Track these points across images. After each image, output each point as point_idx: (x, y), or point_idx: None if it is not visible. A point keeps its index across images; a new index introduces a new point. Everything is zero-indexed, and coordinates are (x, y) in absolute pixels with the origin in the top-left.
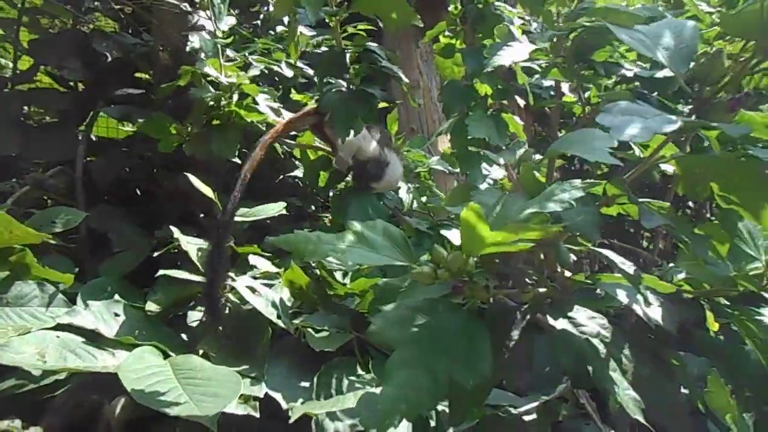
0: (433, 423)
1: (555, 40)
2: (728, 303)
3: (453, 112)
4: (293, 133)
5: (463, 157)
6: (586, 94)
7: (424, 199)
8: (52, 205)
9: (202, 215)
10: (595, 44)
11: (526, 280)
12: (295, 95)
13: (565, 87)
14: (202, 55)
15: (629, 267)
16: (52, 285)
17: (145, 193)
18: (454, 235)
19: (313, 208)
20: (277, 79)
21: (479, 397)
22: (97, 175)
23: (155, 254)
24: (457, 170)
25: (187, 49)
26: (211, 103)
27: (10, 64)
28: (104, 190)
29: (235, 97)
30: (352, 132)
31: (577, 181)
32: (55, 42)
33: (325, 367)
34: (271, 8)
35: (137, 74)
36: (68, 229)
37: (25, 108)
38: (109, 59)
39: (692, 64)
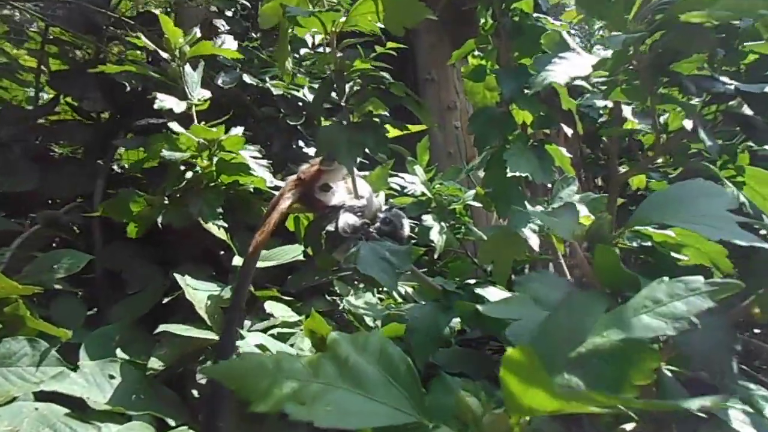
0: None
1: (629, 47)
2: None
3: (486, 145)
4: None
5: (501, 197)
6: (662, 119)
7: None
8: (63, 245)
9: (221, 252)
10: (684, 50)
11: None
12: (323, 121)
13: (626, 109)
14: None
15: None
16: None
17: (164, 228)
18: (492, 294)
19: None
20: (300, 104)
21: None
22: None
23: (165, 300)
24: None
25: (156, 106)
26: (186, 166)
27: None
28: (122, 226)
29: (216, 158)
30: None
31: (698, 279)
32: (75, 73)
33: None
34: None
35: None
36: (82, 269)
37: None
38: (128, 89)
39: None
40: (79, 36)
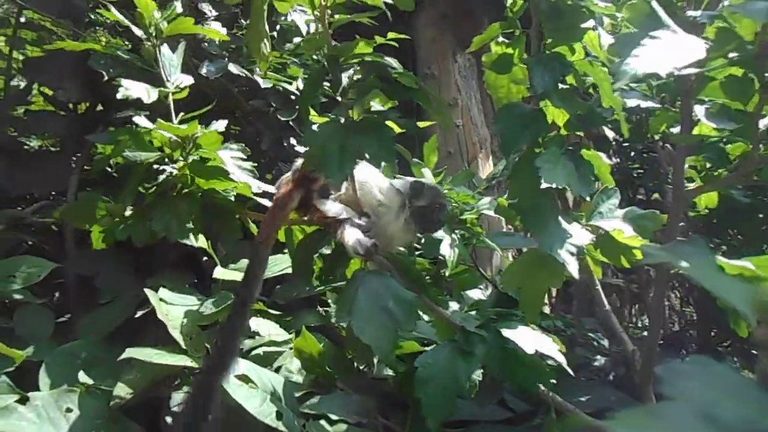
0: None
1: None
2: None
3: (514, 147)
4: None
5: (530, 211)
6: (763, 124)
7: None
8: (30, 248)
9: (204, 258)
10: None
11: None
12: (315, 117)
13: (699, 110)
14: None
15: None
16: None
17: None
18: (523, 339)
19: None
20: (293, 98)
21: None
22: None
23: (139, 314)
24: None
25: (119, 95)
26: (160, 169)
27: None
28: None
29: (191, 158)
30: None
31: None
32: (51, 60)
33: None
34: (290, 18)
35: None
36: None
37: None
38: (105, 78)
39: None
40: (55, 21)
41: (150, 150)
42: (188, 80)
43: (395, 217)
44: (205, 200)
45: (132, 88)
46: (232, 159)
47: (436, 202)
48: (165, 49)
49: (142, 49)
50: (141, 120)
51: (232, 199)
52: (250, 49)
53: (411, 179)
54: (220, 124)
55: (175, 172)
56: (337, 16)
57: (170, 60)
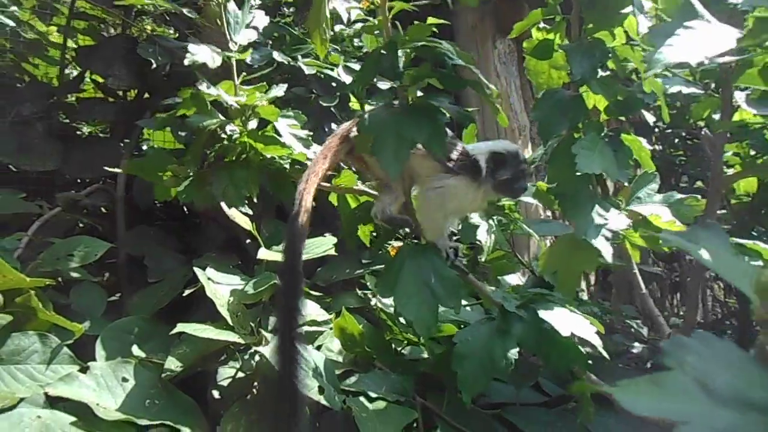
0: None
1: None
2: None
3: (552, 134)
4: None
5: (568, 197)
6: None
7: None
8: (84, 229)
9: (248, 240)
10: None
11: None
12: (354, 104)
13: (740, 96)
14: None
15: None
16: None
17: (192, 214)
18: (560, 321)
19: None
20: (334, 85)
21: None
22: (139, 193)
23: (187, 292)
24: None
25: (186, 62)
26: (221, 134)
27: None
28: (147, 209)
29: (251, 125)
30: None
31: None
32: (102, 49)
33: None
34: (331, 5)
35: None
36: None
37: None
38: (154, 66)
39: None
40: (106, 10)
41: (212, 116)
42: (252, 35)
43: (473, 192)
44: (262, 165)
45: (198, 53)
46: (288, 128)
47: (519, 170)
48: (231, 5)
49: (207, 9)
50: (204, 86)
51: (287, 167)
52: (310, 33)
53: (491, 148)
54: (280, 89)
55: (236, 135)
56: (395, 2)
57: (236, 18)
